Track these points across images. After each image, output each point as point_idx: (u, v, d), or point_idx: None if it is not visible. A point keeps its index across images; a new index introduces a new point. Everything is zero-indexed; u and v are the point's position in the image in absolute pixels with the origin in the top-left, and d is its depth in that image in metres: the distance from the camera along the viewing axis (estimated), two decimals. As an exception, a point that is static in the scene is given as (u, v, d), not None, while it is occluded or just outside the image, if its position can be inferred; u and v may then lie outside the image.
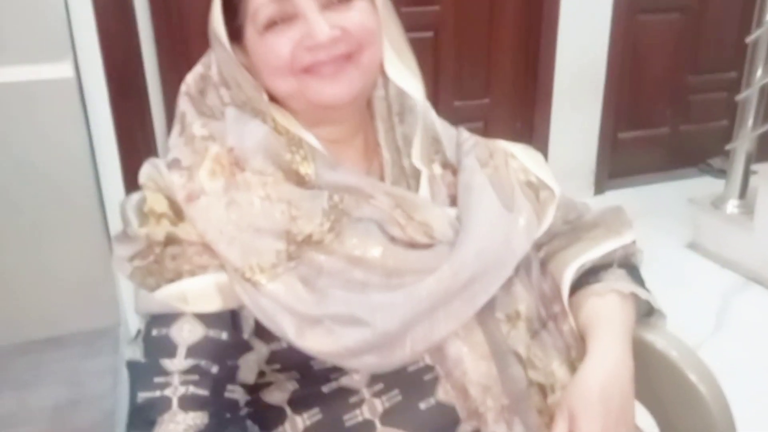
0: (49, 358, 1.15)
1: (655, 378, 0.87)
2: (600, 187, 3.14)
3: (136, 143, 1.49)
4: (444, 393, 0.72)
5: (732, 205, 2.54)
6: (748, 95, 2.45)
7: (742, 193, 2.53)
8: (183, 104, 0.78)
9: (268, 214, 0.70)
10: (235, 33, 0.74)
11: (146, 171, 0.75)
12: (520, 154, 0.89)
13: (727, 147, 2.56)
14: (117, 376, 1.09)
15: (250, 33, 0.73)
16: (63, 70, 1.11)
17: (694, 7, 3.15)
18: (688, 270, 2.48)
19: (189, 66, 0.81)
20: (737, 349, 1.98)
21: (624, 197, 3.10)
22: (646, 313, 0.91)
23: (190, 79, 0.79)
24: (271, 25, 0.71)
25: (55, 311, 1.20)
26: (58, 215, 1.13)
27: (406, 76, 0.80)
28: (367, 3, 0.74)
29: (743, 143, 2.50)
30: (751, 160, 2.52)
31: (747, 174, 2.53)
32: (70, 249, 1.15)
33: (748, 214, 2.44)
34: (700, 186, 3.08)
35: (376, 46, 0.75)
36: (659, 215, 2.81)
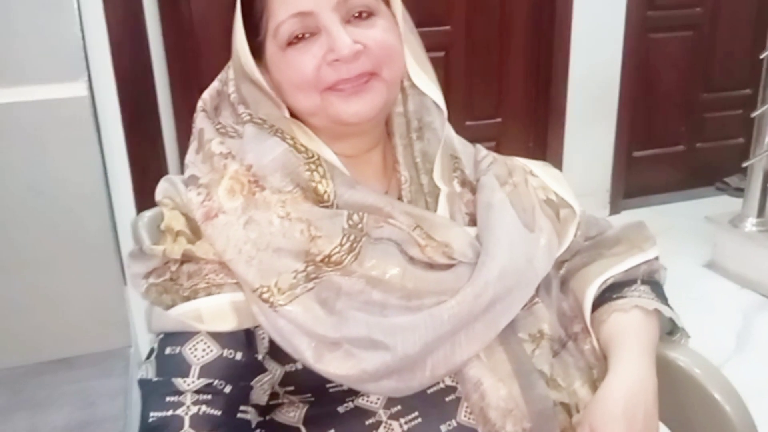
0: (61, 379, 1.14)
1: (679, 396, 0.85)
2: (615, 207, 3.12)
3: (147, 164, 1.50)
4: (465, 415, 0.70)
5: (750, 224, 2.50)
6: (764, 112, 2.43)
7: (761, 212, 2.49)
8: (200, 121, 0.77)
9: (288, 234, 0.69)
10: (256, 49, 0.74)
11: (163, 188, 0.75)
12: (540, 171, 0.88)
13: (744, 164, 2.54)
14: (128, 398, 1.07)
15: (271, 49, 0.72)
16: (77, 89, 1.11)
17: (705, 24, 3.15)
18: (707, 290, 2.44)
19: (200, 85, 0.81)
20: (760, 369, 1.93)
21: (640, 217, 3.03)
22: (669, 332, 0.89)
23: (207, 95, 0.79)
24: (293, 41, 0.71)
25: (67, 333, 1.19)
26: (70, 236, 1.13)
27: (432, 89, 0.79)
28: (387, 21, 0.74)
29: (760, 160, 2.47)
30: (769, 177, 2.49)
31: (765, 192, 2.49)
32: (81, 270, 1.15)
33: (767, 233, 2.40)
34: (718, 205, 3.04)
35: (397, 63, 0.75)
36: (676, 235, 2.78)
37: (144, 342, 1.27)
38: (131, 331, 1.26)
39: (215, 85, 0.79)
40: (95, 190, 1.14)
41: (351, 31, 0.70)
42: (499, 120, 2.97)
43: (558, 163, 2.94)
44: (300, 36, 0.70)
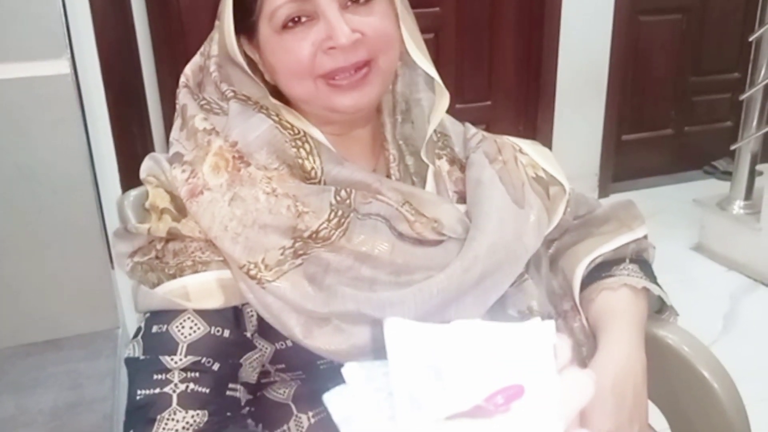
0: (48, 360, 1.14)
1: (667, 374, 0.86)
2: (604, 190, 3.13)
3: (133, 143, 1.49)
4: None
5: (738, 206, 2.52)
6: (753, 95, 2.44)
7: (748, 194, 2.52)
8: (183, 97, 0.76)
9: (274, 210, 0.69)
10: (248, 28, 0.72)
11: (147, 166, 0.74)
12: (529, 149, 0.88)
13: (732, 147, 2.55)
14: (116, 379, 1.07)
15: (266, 32, 0.71)
16: (59, 66, 1.10)
17: (695, 7, 3.15)
18: (694, 272, 2.46)
19: (186, 62, 0.79)
20: (746, 351, 1.95)
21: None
22: (658, 310, 0.90)
23: (189, 70, 0.77)
24: (289, 25, 0.69)
25: (54, 314, 1.19)
26: (55, 217, 1.12)
27: (427, 65, 0.78)
28: (385, 4, 0.72)
29: (748, 143, 2.49)
30: (756, 160, 2.51)
31: (753, 174, 2.52)
32: (68, 251, 1.14)
33: (755, 215, 2.42)
34: (706, 188, 3.07)
35: (393, 51, 0.74)
36: (664, 218, 2.80)
37: (132, 323, 1.26)
38: (119, 313, 1.25)
39: (197, 59, 0.77)
40: (80, 169, 1.12)
41: (349, 18, 0.69)
42: (489, 103, 2.96)
43: (547, 146, 2.92)
44: (296, 20, 0.69)
